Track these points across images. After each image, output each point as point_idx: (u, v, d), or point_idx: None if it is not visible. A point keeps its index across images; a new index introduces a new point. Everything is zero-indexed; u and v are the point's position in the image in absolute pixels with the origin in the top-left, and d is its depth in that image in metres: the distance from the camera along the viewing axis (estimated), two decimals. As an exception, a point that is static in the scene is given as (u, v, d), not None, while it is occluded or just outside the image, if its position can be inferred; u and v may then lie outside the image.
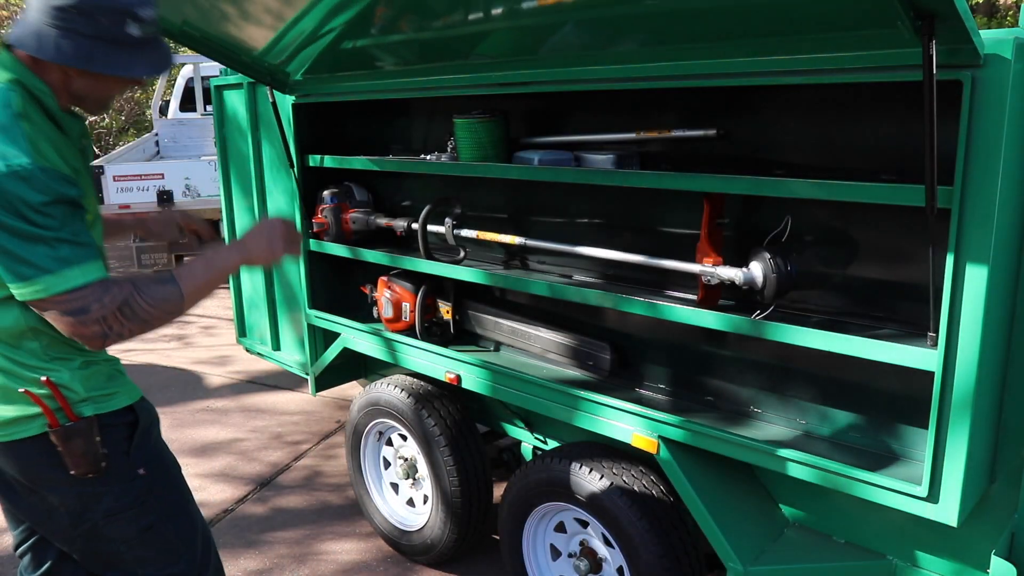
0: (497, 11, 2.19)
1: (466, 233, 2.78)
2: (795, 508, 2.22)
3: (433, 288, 3.02)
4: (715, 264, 2.05)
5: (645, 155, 2.40)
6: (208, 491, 3.80)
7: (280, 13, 2.55)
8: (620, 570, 2.43)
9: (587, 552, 2.52)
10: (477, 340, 3.10)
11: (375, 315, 3.24)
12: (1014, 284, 1.75)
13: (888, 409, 2.00)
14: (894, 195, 1.70)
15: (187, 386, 5.36)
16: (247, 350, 4.32)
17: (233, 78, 3.78)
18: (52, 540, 1.87)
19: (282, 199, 3.65)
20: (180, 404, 4.98)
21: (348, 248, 3.18)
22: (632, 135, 2.33)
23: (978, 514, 1.84)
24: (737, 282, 2.00)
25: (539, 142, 2.62)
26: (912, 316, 1.91)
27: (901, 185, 1.69)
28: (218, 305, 7.25)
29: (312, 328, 3.53)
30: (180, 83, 10.00)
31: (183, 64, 10.20)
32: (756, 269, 1.97)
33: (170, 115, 9.81)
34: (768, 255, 1.95)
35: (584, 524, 2.52)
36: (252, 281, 4.03)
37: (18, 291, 1.53)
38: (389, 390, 3.06)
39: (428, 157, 2.89)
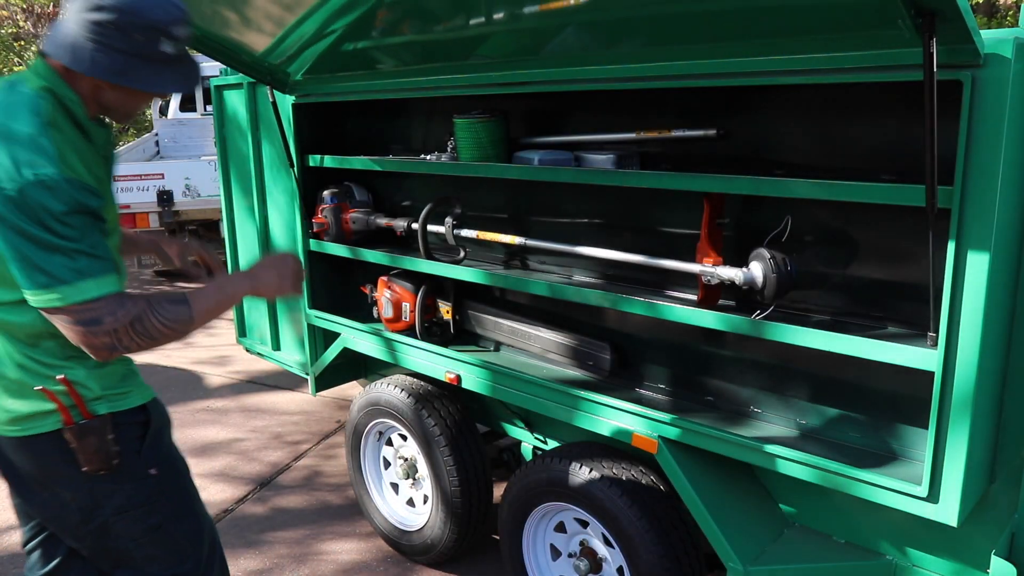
0: (497, 11, 2.19)
1: (466, 233, 2.78)
2: (795, 508, 2.22)
3: (433, 288, 3.02)
4: (715, 264, 2.05)
5: (645, 155, 2.40)
6: (208, 491, 3.80)
7: (282, 15, 2.55)
8: (620, 570, 2.43)
9: (587, 552, 2.52)
10: (477, 340, 3.10)
11: (375, 315, 3.24)
12: (1014, 284, 1.75)
13: (888, 409, 2.00)
14: (894, 195, 1.70)
15: (187, 386, 5.36)
16: (247, 350, 4.32)
17: (233, 78, 3.78)
18: (63, 537, 1.89)
19: (282, 199, 3.65)
20: (180, 404, 4.98)
21: (348, 248, 3.18)
22: (632, 135, 2.33)
23: (978, 514, 1.84)
24: (737, 282, 2.00)
25: (539, 142, 2.63)
26: (912, 316, 1.91)
27: (901, 185, 1.69)
28: (218, 305, 7.23)
29: (312, 328, 3.53)
30: (180, 83, 9.97)
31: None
32: (756, 269, 1.97)
33: (170, 115, 9.81)
34: (768, 255, 1.95)
35: (584, 524, 2.52)
36: (252, 281, 4.02)
37: (33, 298, 1.55)
38: (389, 390, 3.06)
39: (428, 157, 2.89)
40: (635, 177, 2.22)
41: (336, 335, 3.32)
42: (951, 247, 1.62)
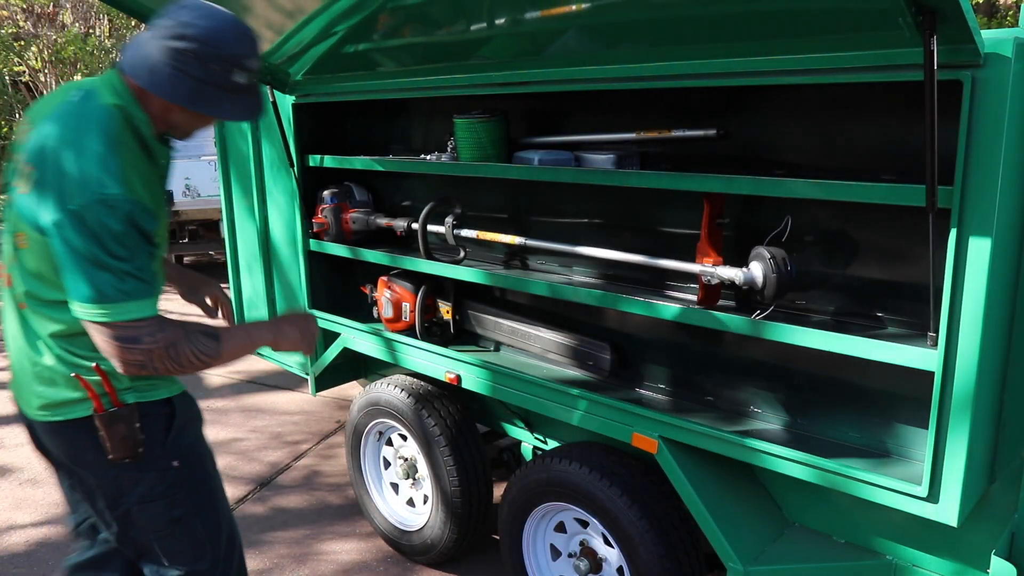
0: (497, 12, 2.19)
1: (466, 233, 2.78)
2: (795, 508, 2.22)
3: (433, 288, 3.02)
4: (715, 264, 2.05)
5: (645, 155, 2.40)
6: (208, 491, 3.80)
7: (288, 17, 2.56)
8: (620, 570, 2.43)
9: (587, 552, 2.52)
10: (477, 340, 3.10)
11: (375, 315, 3.24)
12: (1014, 284, 1.75)
13: (888, 409, 2.00)
14: (894, 195, 1.70)
15: (187, 386, 5.35)
16: (247, 350, 4.30)
17: (233, 78, 3.77)
18: (98, 522, 1.97)
19: (282, 199, 3.65)
20: (180, 404, 4.98)
21: (348, 248, 3.18)
22: (632, 135, 2.33)
23: (978, 514, 1.84)
24: (737, 282, 2.00)
25: (539, 142, 2.62)
26: (912, 316, 1.91)
27: (901, 185, 1.69)
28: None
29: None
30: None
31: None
32: (756, 269, 1.97)
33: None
34: (768, 255, 1.95)
35: (584, 524, 2.52)
36: (252, 281, 4.03)
37: (78, 308, 1.63)
38: (389, 390, 3.06)
39: (428, 157, 2.89)
40: (635, 177, 2.22)
41: (336, 335, 3.32)
42: (951, 247, 1.62)
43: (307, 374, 3.68)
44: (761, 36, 1.79)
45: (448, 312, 3.03)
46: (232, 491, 3.83)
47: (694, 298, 2.21)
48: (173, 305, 2.95)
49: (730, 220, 2.15)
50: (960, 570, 1.94)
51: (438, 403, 2.96)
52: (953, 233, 1.61)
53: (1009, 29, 1.70)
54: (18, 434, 4.47)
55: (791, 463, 1.94)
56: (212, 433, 4.54)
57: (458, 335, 3.09)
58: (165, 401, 1.86)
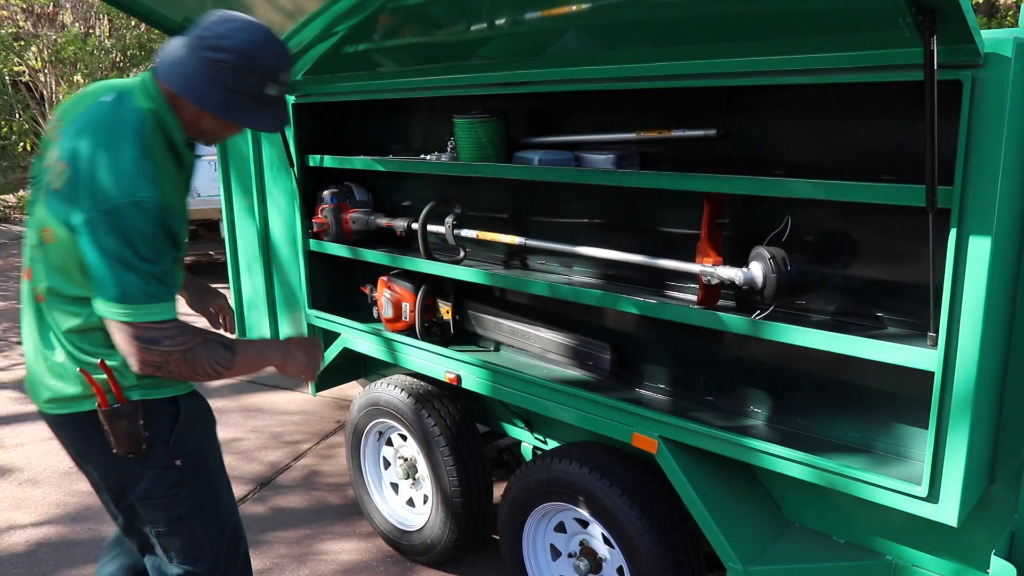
0: (497, 12, 2.19)
1: (466, 233, 2.78)
2: (795, 508, 2.22)
3: (433, 288, 3.02)
4: (715, 264, 2.05)
5: (645, 155, 2.40)
6: (208, 491, 3.80)
7: (284, 17, 2.55)
8: (620, 570, 2.43)
9: (587, 552, 2.52)
10: (477, 340, 3.10)
11: (375, 315, 3.24)
12: (1014, 284, 1.75)
13: (888, 409, 2.00)
14: (894, 195, 1.70)
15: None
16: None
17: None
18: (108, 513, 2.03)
19: (282, 199, 3.65)
20: (180, 404, 4.98)
21: (348, 248, 3.18)
22: (632, 135, 2.33)
23: (978, 514, 1.84)
24: (737, 282, 2.00)
25: (539, 142, 2.62)
26: (912, 316, 1.91)
27: (901, 185, 1.69)
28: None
29: (312, 328, 3.53)
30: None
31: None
32: (756, 269, 1.97)
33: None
34: (768, 255, 1.95)
35: (584, 524, 2.52)
36: (252, 281, 4.02)
37: (102, 306, 1.66)
38: (389, 390, 3.06)
39: (428, 157, 2.89)
40: (635, 177, 2.22)
41: (336, 335, 3.32)
42: (951, 247, 1.62)
43: (307, 374, 3.67)
44: (761, 36, 1.79)
45: (448, 312, 3.03)
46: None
47: (694, 298, 2.21)
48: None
49: (730, 220, 2.15)
50: (960, 570, 1.94)
51: (438, 403, 2.96)
52: (953, 233, 1.61)
53: (1009, 29, 1.69)
54: (18, 434, 4.47)
55: (791, 463, 1.94)
56: (212, 433, 4.53)
57: (458, 335, 3.09)
58: (171, 400, 1.88)
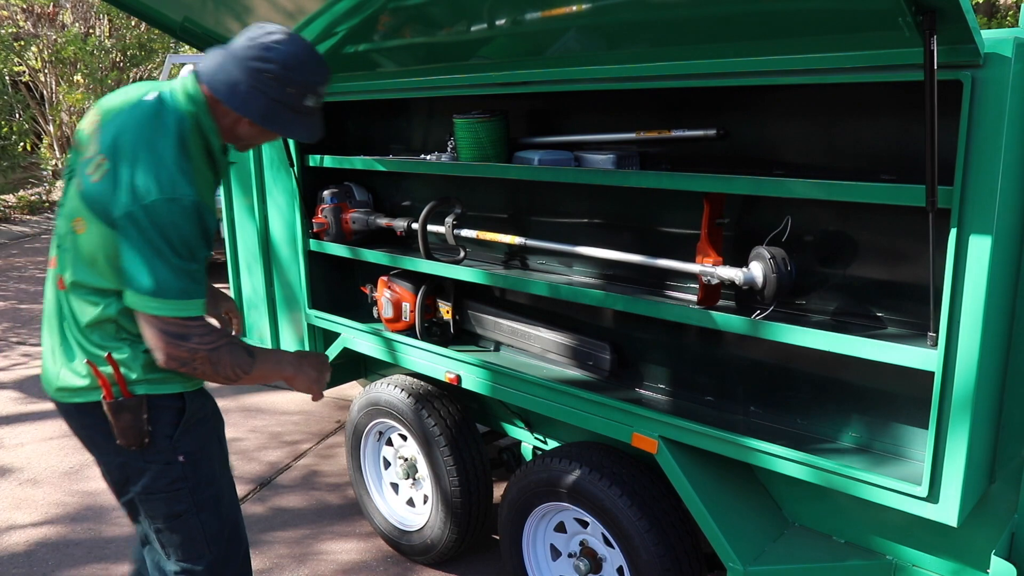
0: (498, 12, 2.19)
1: (466, 233, 2.78)
2: (795, 508, 2.22)
3: (433, 288, 3.02)
4: (715, 264, 2.05)
5: (645, 155, 2.40)
6: (208, 491, 3.80)
7: (285, 17, 2.55)
8: (620, 570, 2.43)
9: (587, 552, 2.52)
10: (477, 340, 3.10)
11: (375, 315, 3.24)
12: (1014, 284, 1.76)
13: (888, 409, 2.00)
14: (894, 195, 1.70)
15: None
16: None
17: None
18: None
19: (282, 199, 3.65)
20: (180, 404, 4.97)
21: (348, 248, 3.18)
22: (632, 135, 2.33)
23: (978, 514, 1.84)
24: (737, 282, 2.00)
25: (539, 142, 2.62)
26: (912, 316, 1.91)
27: (901, 185, 1.69)
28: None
29: (312, 328, 3.53)
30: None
31: (183, 64, 10.19)
32: (756, 269, 1.98)
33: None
34: (768, 255, 1.95)
35: (584, 524, 2.52)
36: (252, 281, 4.02)
37: (133, 298, 1.70)
38: (389, 390, 3.06)
39: (428, 157, 2.89)
40: (635, 177, 2.22)
41: (336, 335, 3.32)
42: (951, 247, 1.62)
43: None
44: (761, 36, 1.79)
45: (448, 312, 3.03)
46: (232, 491, 3.83)
47: (694, 298, 2.21)
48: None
49: (730, 220, 2.15)
50: (960, 570, 1.94)
51: (438, 403, 2.96)
52: (953, 233, 1.61)
53: (1009, 29, 1.69)
54: (18, 434, 4.47)
55: (791, 463, 1.94)
56: (212, 433, 4.53)
57: (458, 335, 3.09)
58: (177, 396, 1.89)
